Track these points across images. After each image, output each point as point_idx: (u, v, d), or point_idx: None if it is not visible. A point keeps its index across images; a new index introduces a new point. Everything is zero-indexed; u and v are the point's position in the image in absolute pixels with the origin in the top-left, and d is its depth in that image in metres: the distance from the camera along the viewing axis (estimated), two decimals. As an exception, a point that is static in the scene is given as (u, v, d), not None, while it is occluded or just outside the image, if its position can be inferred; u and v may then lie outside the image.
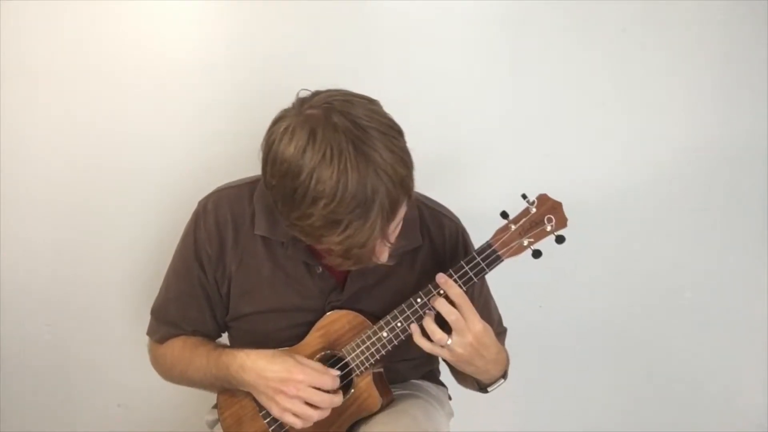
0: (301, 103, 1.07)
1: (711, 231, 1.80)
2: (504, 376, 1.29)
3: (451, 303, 1.16)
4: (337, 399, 1.20)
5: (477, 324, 1.15)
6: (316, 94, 1.08)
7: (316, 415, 1.18)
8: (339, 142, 1.00)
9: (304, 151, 1.01)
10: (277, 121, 1.07)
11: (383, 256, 1.12)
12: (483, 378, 1.26)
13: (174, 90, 1.67)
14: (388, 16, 1.67)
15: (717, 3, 1.69)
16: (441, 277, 1.16)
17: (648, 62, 1.71)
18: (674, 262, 1.82)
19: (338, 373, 1.21)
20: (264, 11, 1.65)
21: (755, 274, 1.82)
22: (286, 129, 1.04)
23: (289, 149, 1.02)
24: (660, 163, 1.76)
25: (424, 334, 1.18)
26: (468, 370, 1.22)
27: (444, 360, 1.42)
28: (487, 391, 1.30)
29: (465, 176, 1.75)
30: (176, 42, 1.67)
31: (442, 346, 1.16)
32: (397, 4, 1.66)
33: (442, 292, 1.17)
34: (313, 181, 1.00)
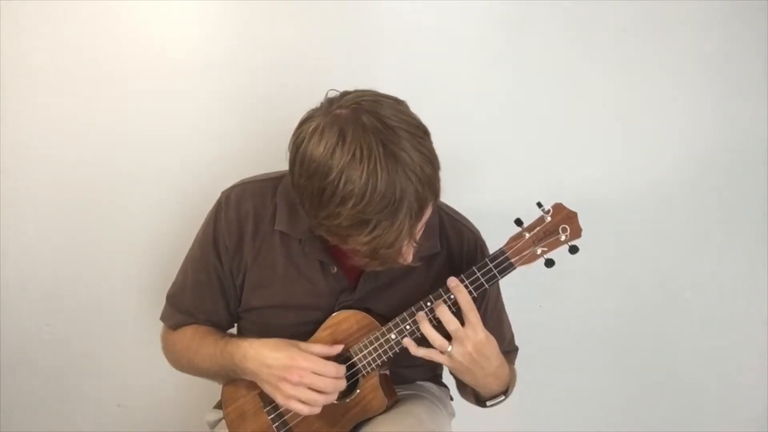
0: (330, 103, 1.07)
1: (711, 231, 1.81)
2: (505, 393, 1.28)
3: (457, 310, 1.15)
4: (341, 383, 1.19)
5: (479, 333, 1.15)
6: (345, 94, 1.08)
7: (321, 400, 1.18)
8: (369, 142, 1.00)
9: (334, 151, 1.01)
10: (305, 121, 1.07)
11: (409, 256, 1.12)
12: (482, 391, 1.26)
13: (174, 90, 1.67)
14: (389, 16, 1.67)
15: (717, 3, 1.69)
16: (452, 281, 1.16)
17: (648, 62, 1.71)
18: (674, 262, 1.82)
19: (339, 348, 1.21)
20: (264, 12, 1.65)
21: (755, 274, 1.82)
22: (315, 129, 1.04)
23: (318, 149, 1.02)
24: (660, 162, 1.76)
25: (420, 343, 1.18)
26: (466, 379, 1.21)
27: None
28: (485, 406, 1.29)
29: (464, 176, 1.75)
30: (177, 42, 1.66)
31: (443, 353, 1.16)
32: (397, 5, 1.66)
33: (452, 296, 1.16)
34: (342, 181, 1.00)
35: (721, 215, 1.80)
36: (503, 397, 1.28)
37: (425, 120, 1.70)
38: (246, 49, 1.66)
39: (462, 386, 1.35)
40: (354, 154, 1.00)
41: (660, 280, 1.83)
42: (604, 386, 1.89)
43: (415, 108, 1.61)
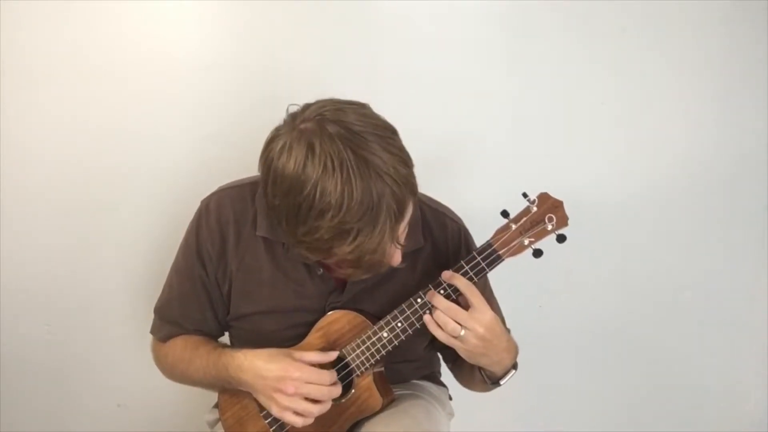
0: (293, 118, 1.06)
1: (711, 231, 1.81)
2: (515, 366, 1.26)
3: (455, 301, 1.15)
4: (336, 390, 1.19)
5: (487, 313, 1.14)
6: (307, 107, 1.07)
7: (316, 410, 1.18)
8: (338, 151, 1.00)
9: (305, 165, 1.01)
10: (272, 140, 1.07)
11: (396, 259, 1.12)
12: (497, 369, 1.23)
13: (174, 90, 1.67)
14: (388, 16, 1.67)
15: (717, 3, 1.69)
16: (446, 273, 1.16)
17: (648, 62, 1.71)
18: (674, 262, 1.82)
19: (334, 355, 1.21)
20: (265, 12, 1.65)
21: (755, 275, 1.82)
22: (283, 147, 1.04)
23: (289, 166, 1.02)
24: (660, 162, 1.76)
25: (420, 334, 1.18)
26: (483, 362, 1.20)
27: (445, 363, 1.41)
28: (500, 384, 1.26)
29: (464, 176, 1.75)
30: (177, 42, 1.66)
31: (455, 337, 1.15)
32: (397, 5, 1.66)
33: (442, 291, 1.17)
34: (318, 194, 1.00)
35: (721, 215, 1.80)
36: (514, 371, 1.25)
37: (427, 120, 1.70)
38: (245, 50, 1.66)
39: (469, 379, 1.33)
40: (326, 166, 1.00)
41: (660, 280, 1.83)
42: (603, 386, 1.89)
43: (414, 107, 1.61)
